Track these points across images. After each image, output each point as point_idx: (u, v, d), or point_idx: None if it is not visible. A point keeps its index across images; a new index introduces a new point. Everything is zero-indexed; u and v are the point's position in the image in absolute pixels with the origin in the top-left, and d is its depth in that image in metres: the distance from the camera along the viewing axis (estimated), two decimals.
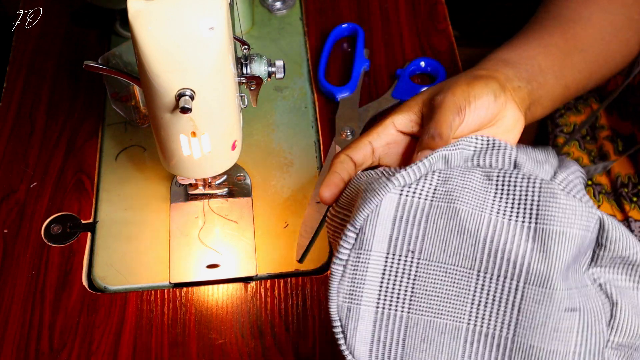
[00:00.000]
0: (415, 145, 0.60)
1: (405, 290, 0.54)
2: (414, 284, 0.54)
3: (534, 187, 0.52)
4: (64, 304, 0.73)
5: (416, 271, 0.54)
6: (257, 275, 0.74)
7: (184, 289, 0.74)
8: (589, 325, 0.52)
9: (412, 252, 0.53)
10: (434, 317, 0.54)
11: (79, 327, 0.71)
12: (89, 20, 0.94)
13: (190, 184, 0.78)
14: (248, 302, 0.73)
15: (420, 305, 0.54)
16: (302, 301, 0.72)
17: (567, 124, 0.99)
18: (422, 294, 0.54)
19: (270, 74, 0.71)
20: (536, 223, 0.51)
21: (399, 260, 0.54)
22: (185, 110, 0.59)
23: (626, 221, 0.90)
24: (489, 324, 0.52)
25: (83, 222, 0.78)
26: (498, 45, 0.72)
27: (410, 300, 0.54)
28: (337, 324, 0.55)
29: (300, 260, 0.75)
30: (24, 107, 0.87)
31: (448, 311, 0.53)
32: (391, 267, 0.54)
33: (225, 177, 0.79)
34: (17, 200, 0.80)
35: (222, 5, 0.60)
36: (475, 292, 0.53)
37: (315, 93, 0.88)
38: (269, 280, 0.74)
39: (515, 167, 0.54)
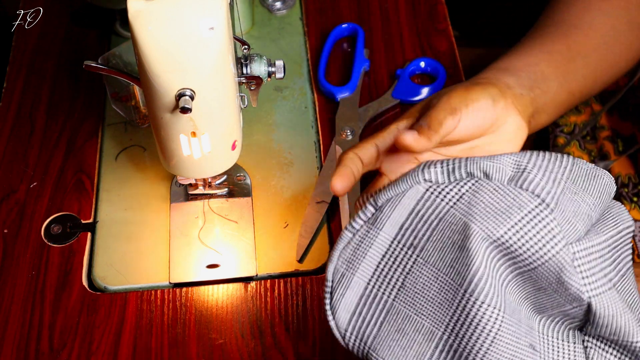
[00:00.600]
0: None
1: (397, 280, 0.55)
2: (405, 276, 0.55)
3: (553, 247, 0.51)
4: (64, 304, 0.73)
5: (412, 266, 0.54)
6: (257, 275, 0.74)
7: (184, 289, 0.74)
8: None
9: (415, 247, 0.54)
10: (415, 314, 0.55)
11: (79, 327, 0.71)
12: (89, 20, 0.94)
13: (190, 184, 0.78)
14: (248, 302, 0.73)
15: (405, 298, 0.55)
16: (302, 301, 0.72)
17: (567, 124, 0.99)
18: (410, 288, 0.55)
19: (270, 74, 0.71)
20: (528, 271, 0.51)
21: (401, 250, 0.55)
22: (185, 110, 0.59)
23: None
24: (460, 343, 0.53)
25: (83, 222, 0.78)
26: (498, 45, 0.73)
27: (399, 290, 0.55)
28: (329, 284, 0.57)
29: (300, 260, 0.75)
30: (24, 107, 0.87)
31: (429, 314, 0.54)
32: (392, 253, 0.55)
33: (225, 177, 0.79)
34: (17, 200, 0.80)
35: (222, 5, 0.60)
36: (457, 308, 0.53)
37: (315, 93, 0.88)
38: (269, 280, 0.74)
39: (551, 211, 0.52)
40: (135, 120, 0.84)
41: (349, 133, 0.82)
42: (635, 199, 0.91)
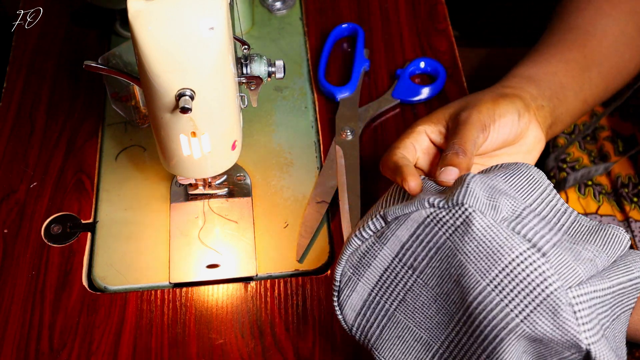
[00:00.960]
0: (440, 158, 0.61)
1: (398, 294, 0.57)
2: (406, 293, 0.57)
3: (544, 290, 0.51)
4: (64, 304, 0.73)
5: (412, 285, 0.57)
6: (257, 275, 0.74)
7: (184, 289, 0.74)
8: None
9: (415, 269, 0.56)
10: (414, 325, 0.57)
11: (79, 327, 0.71)
12: (89, 20, 0.94)
13: (190, 184, 0.78)
14: (248, 302, 0.73)
15: (406, 311, 0.58)
16: (302, 301, 0.72)
17: None
18: (411, 303, 0.57)
19: (270, 74, 0.71)
20: (521, 320, 0.51)
21: (401, 268, 0.57)
22: (185, 110, 0.59)
23: (626, 221, 0.90)
24: None
25: (83, 222, 0.78)
26: (498, 45, 0.73)
27: (400, 303, 0.58)
28: (337, 284, 0.60)
29: (300, 260, 0.75)
30: (24, 107, 0.87)
31: (427, 328, 0.57)
32: (393, 269, 0.57)
33: (225, 177, 0.79)
34: (17, 200, 0.79)
35: (222, 5, 0.60)
36: (451, 331, 0.55)
37: (315, 93, 0.88)
38: (269, 280, 0.74)
39: (543, 255, 0.52)
40: (135, 120, 0.84)
41: (349, 133, 0.82)
42: (635, 199, 0.91)
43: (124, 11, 0.59)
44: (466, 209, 0.53)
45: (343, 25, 0.92)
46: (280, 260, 0.75)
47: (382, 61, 0.90)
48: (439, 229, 0.54)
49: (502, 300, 0.52)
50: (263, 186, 0.80)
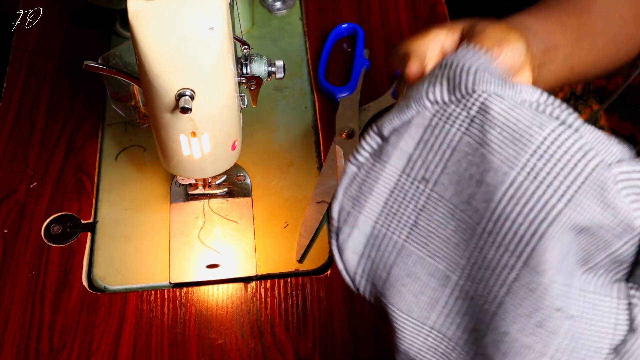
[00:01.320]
0: None
1: (408, 218, 0.50)
2: (418, 214, 0.49)
3: (586, 164, 0.45)
4: (64, 304, 0.73)
5: (425, 202, 0.49)
6: (257, 275, 0.74)
7: (184, 289, 0.74)
8: (581, 336, 0.47)
9: (427, 181, 0.49)
10: (428, 255, 0.50)
11: (79, 327, 0.71)
12: (89, 20, 0.94)
13: (190, 184, 0.78)
14: (248, 302, 0.73)
15: (418, 238, 0.50)
16: (302, 301, 0.72)
17: None
18: (424, 227, 0.49)
19: (270, 74, 0.71)
20: (565, 205, 0.45)
21: (411, 184, 0.49)
22: (185, 110, 0.59)
23: None
24: (476, 289, 0.48)
25: (83, 222, 0.78)
26: None
27: (411, 229, 0.50)
28: (335, 223, 0.52)
29: (300, 260, 0.75)
30: (24, 107, 0.87)
31: (444, 255, 0.49)
32: (402, 188, 0.50)
33: (225, 177, 0.79)
34: (17, 200, 0.80)
35: (222, 5, 0.60)
36: (474, 250, 0.48)
37: (315, 93, 0.88)
38: (269, 280, 0.74)
39: (576, 131, 0.46)
40: (135, 120, 0.84)
41: (349, 133, 0.82)
42: None
43: (124, 11, 0.59)
44: (479, 95, 0.47)
45: (343, 25, 0.93)
46: (280, 260, 0.75)
47: (382, 61, 0.90)
48: (451, 126, 0.48)
49: (538, 187, 0.45)
50: (263, 186, 0.80)
